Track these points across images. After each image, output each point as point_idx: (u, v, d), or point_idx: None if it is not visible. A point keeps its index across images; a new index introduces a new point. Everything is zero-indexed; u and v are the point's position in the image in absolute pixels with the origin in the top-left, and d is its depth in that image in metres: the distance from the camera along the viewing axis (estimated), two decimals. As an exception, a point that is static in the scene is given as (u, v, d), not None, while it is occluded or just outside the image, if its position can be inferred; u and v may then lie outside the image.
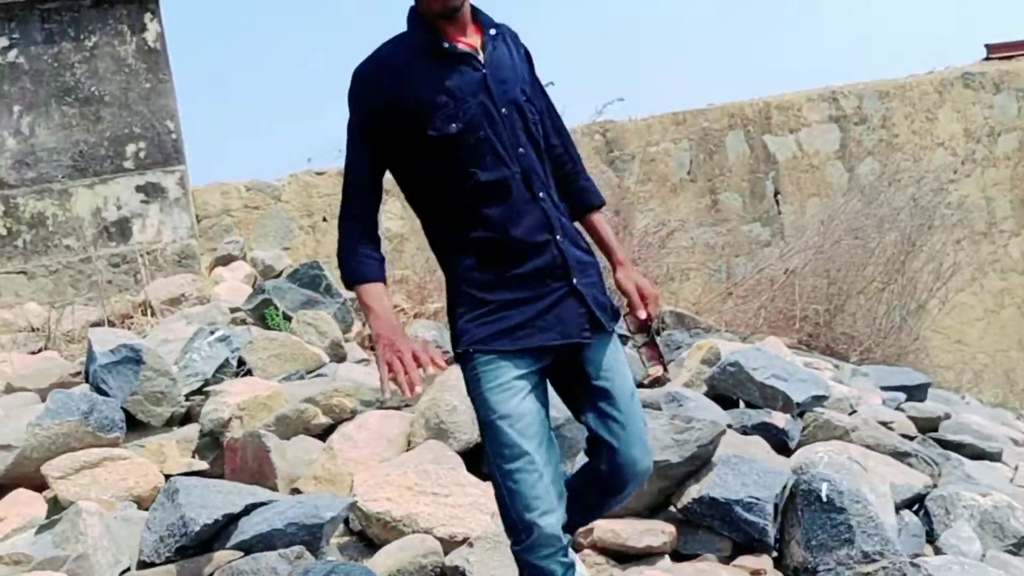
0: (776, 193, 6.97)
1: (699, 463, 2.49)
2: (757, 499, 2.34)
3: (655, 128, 6.60)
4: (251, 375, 3.70)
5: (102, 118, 5.35)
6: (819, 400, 3.46)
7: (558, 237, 1.88)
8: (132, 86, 5.45)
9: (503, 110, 1.87)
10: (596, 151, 6.38)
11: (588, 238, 2.05)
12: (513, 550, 1.84)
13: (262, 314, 4.47)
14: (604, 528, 2.33)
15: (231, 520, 2.15)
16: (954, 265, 6.14)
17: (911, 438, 3.87)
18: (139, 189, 5.30)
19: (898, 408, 4.41)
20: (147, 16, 5.54)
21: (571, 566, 1.88)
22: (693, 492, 2.44)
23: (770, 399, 3.36)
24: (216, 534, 2.14)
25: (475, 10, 1.95)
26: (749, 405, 3.43)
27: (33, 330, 4.28)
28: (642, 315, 2.04)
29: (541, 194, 1.89)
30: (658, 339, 2.20)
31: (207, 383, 3.60)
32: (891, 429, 3.89)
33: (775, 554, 2.37)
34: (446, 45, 1.85)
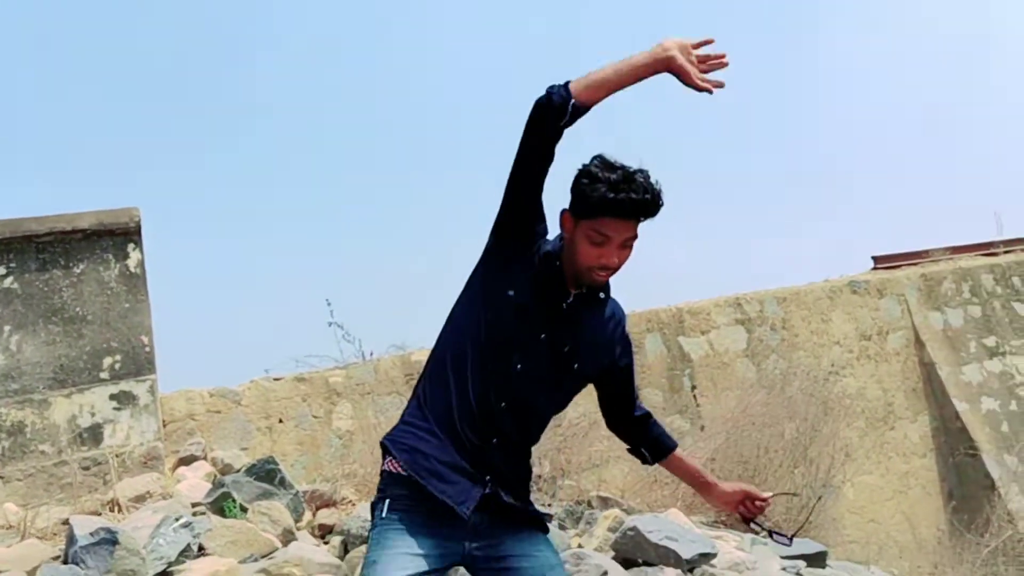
0: (693, 388, 7.74)
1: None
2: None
3: (580, 333, 7.44)
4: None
5: (84, 335, 6.00)
6: (707, 557, 4.02)
7: (488, 477, 2.02)
8: (113, 306, 6.15)
9: (542, 335, 2.05)
10: (528, 354, 7.16)
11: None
12: None
13: (221, 506, 4.94)
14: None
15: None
16: (846, 447, 6.83)
17: (800, 597, 4.40)
18: (112, 397, 5.87)
19: (797, 574, 4.95)
20: (130, 246, 6.33)
21: None
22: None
23: (663, 558, 3.92)
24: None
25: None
26: (648, 564, 3.97)
27: (9, 527, 4.69)
28: (767, 494, 2.32)
29: (495, 440, 2.02)
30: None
31: (171, 565, 4.06)
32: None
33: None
34: (557, 264, 2.09)
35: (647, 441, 2.33)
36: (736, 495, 2.29)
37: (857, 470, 8.02)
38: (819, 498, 6.69)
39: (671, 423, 7.59)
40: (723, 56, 1.92)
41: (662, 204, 2.01)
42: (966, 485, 8.17)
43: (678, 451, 2.34)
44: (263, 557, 4.33)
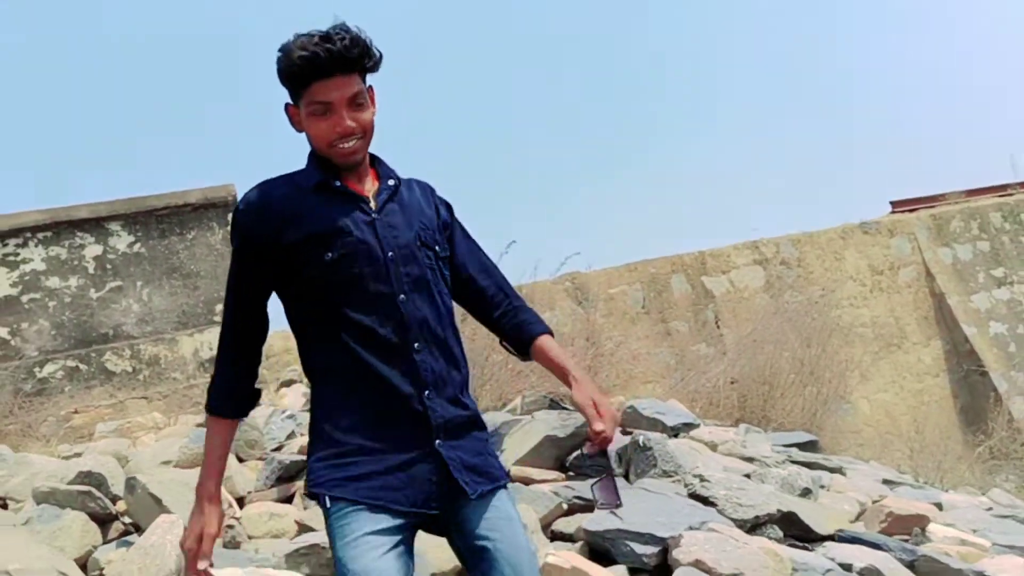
0: (716, 320, 8.76)
1: (578, 439, 4.18)
2: (606, 452, 4.00)
3: (612, 275, 8.52)
4: (310, 439, 5.45)
5: (198, 287, 7.39)
6: (689, 427, 5.11)
7: (426, 393, 1.79)
8: (219, 264, 7.53)
9: (389, 254, 1.82)
10: (567, 294, 8.29)
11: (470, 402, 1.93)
12: None
13: (316, 411, 6.26)
14: (516, 471, 4.00)
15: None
16: (859, 367, 7.77)
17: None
18: (225, 336, 7.24)
19: (788, 456, 5.97)
20: (230, 215, 7.71)
21: None
22: (574, 453, 4.12)
23: (652, 426, 5.02)
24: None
25: (376, 161, 1.96)
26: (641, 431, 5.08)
27: (159, 428, 6.09)
28: (598, 427, 1.85)
29: (417, 344, 1.79)
30: (616, 472, 1.98)
31: (280, 443, 5.36)
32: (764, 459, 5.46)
33: (622, 480, 4.01)
34: (337, 184, 1.86)
35: (511, 324, 2.01)
36: (583, 405, 1.89)
37: (873, 389, 8.91)
38: (824, 404, 7.63)
39: (696, 350, 8.64)
40: None
41: (370, 46, 1.84)
42: (976, 400, 8.98)
43: (545, 339, 1.98)
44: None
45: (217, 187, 7.66)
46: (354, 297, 1.79)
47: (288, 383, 7.19)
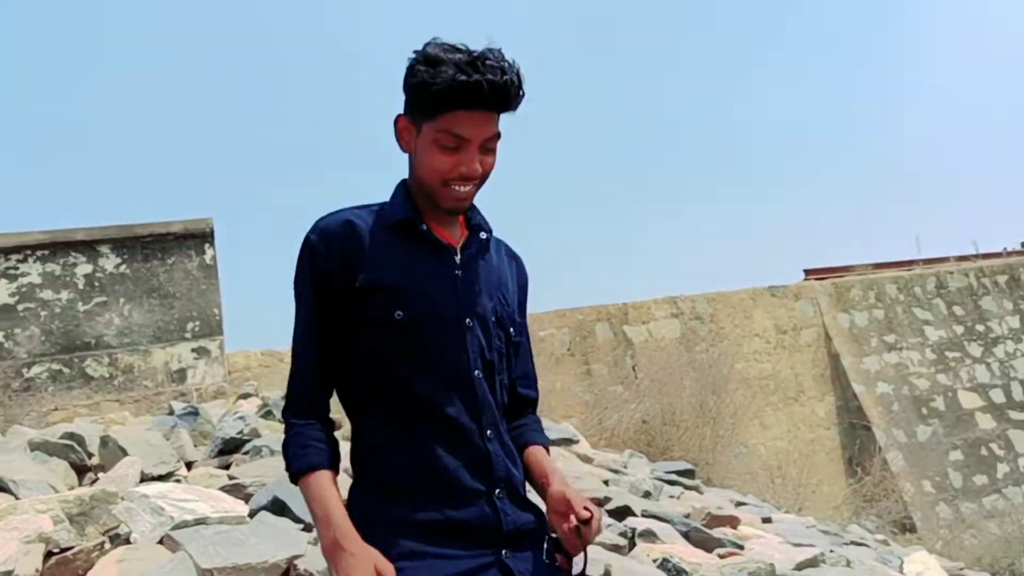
0: (633, 365, 9.86)
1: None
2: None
3: (543, 319, 9.63)
4: (256, 436, 6.47)
5: (174, 307, 8.44)
6: (569, 442, 6.17)
7: (496, 492, 1.59)
8: (194, 287, 8.59)
9: (467, 320, 1.61)
10: (500, 334, 9.40)
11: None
12: None
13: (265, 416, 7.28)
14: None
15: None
16: (758, 416, 8.86)
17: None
18: (193, 351, 8.29)
19: (664, 480, 7.03)
20: (206, 245, 8.79)
21: None
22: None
23: (539, 439, 6.09)
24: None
25: (471, 207, 1.68)
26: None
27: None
28: (585, 515, 1.59)
29: (489, 432, 1.60)
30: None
31: (230, 439, 6.38)
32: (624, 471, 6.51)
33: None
34: (423, 227, 1.63)
35: (521, 427, 1.80)
36: (559, 501, 1.64)
37: (770, 436, 10.02)
38: (714, 447, 8.70)
39: (614, 391, 9.72)
40: None
41: (523, 88, 1.59)
42: (861, 451, 10.07)
43: (538, 449, 1.78)
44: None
45: (197, 220, 8.75)
46: (421, 366, 1.58)
47: (245, 396, 8.20)
